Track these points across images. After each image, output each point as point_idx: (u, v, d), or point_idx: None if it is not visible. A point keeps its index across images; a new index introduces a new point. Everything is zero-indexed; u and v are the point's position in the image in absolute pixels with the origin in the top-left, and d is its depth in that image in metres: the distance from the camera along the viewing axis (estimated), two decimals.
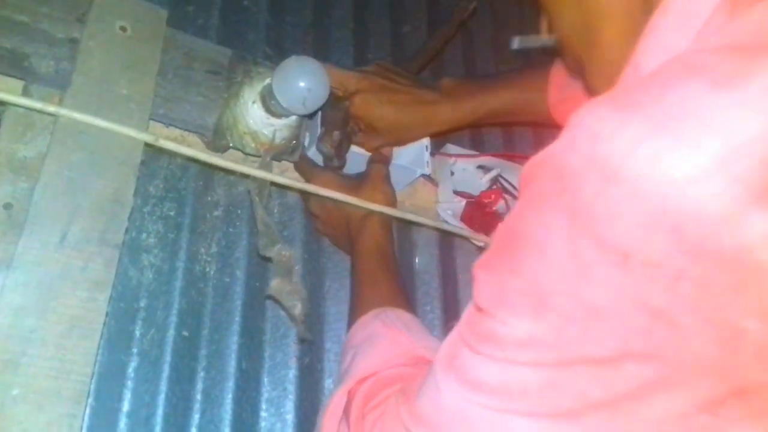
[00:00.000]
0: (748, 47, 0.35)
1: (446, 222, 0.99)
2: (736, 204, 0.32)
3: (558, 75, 0.89)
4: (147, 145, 0.74)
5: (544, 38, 0.62)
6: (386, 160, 0.92)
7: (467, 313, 0.50)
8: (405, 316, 0.75)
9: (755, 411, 0.37)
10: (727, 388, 0.36)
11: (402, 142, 0.95)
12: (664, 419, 0.39)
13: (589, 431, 0.41)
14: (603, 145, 0.35)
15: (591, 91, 0.57)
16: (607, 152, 0.35)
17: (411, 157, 0.97)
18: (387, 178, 0.89)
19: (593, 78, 0.56)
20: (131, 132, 0.69)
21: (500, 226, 0.45)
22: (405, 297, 0.80)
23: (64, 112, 0.65)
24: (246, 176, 0.82)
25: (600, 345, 0.38)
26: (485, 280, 0.46)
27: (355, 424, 0.63)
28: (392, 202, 0.87)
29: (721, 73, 0.34)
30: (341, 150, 0.86)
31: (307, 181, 0.86)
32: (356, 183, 0.86)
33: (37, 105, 0.65)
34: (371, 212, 0.84)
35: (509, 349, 0.43)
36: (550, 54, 0.70)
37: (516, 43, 0.69)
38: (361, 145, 0.92)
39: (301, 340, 0.81)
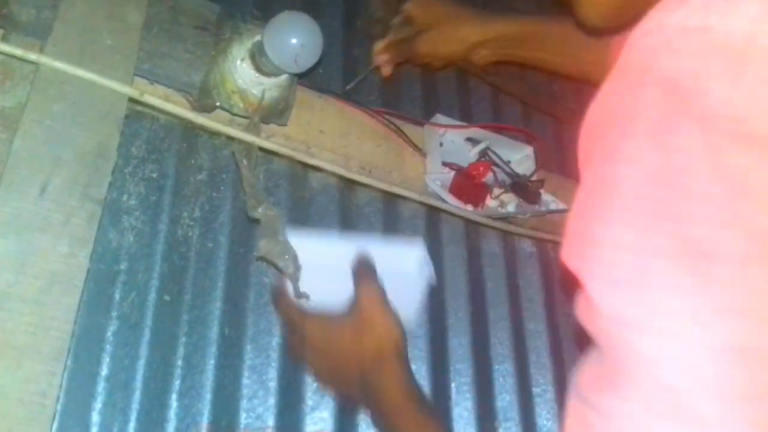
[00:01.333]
0: None
1: (435, 193, 0.98)
2: None
3: None
4: (131, 100, 0.71)
5: None
6: (372, 274, 0.74)
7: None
8: None
9: None
10: None
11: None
12: None
13: None
14: (721, 34, 0.31)
15: (583, 20, 0.55)
16: (730, 40, 0.31)
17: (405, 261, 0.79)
18: (383, 300, 0.73)
19: (587, 10, 0.54)
20: (115, 85, 0.66)
21: (608, 180, 0.36)
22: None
23: (45, 60, 0.62)
24: (232, 138, 0.80)
25: None
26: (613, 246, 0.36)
27: None
28: (400, 331, 0.72)
29: None
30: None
31: (294, 326, 0.77)
32: (351, 319, 0.73)
33: (18, 52, 0.62)
34: (383, 349, 0.71)
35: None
36: None
37: None
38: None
39: (298, 297, 0.78)
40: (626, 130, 0.35)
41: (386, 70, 0.97)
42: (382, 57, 0.95)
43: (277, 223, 0.71)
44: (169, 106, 0.69)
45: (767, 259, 0.31)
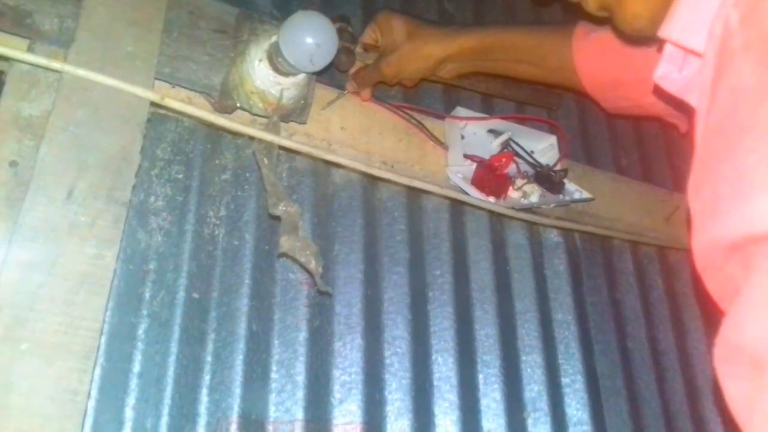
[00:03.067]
0: None
1: (458, 186, 0.98)
2: None
3: (582, 27, 0.93)
4: (153, 104, 0.73)
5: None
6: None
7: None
8: None
9: None
10: None
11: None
12: None
13: None
14: None
15: (626, 28, 0.56)
16: None
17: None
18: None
19: (627, 17, 0.56)
20: (137, 90, 0.68)
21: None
22: None
23: (68, 68, 0.64)
24: (252, 138, 0.81)
25: None
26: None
27: None
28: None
29: None
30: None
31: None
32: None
33: (42, 61, 0.65)
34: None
35: None
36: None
37: None
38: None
39: (321, 293, 0.80)
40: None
41: (364, 95, 0.98)
42: (351, 86, 0.97)
43: (298, 219, 0.72)
44: (189, 109, 0.71)
45: None
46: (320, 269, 0.71)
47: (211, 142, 0.88)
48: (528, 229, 1.11)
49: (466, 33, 0.97)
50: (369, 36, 0.98)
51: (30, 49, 0.73)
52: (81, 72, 0.66)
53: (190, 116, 0.76)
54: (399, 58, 0.94)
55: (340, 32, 0.85)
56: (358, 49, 0.97)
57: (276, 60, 0.77)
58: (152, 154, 0.83)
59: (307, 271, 0.73)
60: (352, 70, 0.97)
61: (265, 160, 0.75)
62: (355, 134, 0.96)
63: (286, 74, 0.78)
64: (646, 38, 0.58)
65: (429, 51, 0.95)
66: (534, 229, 1.12)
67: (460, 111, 1.04)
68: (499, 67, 1.02)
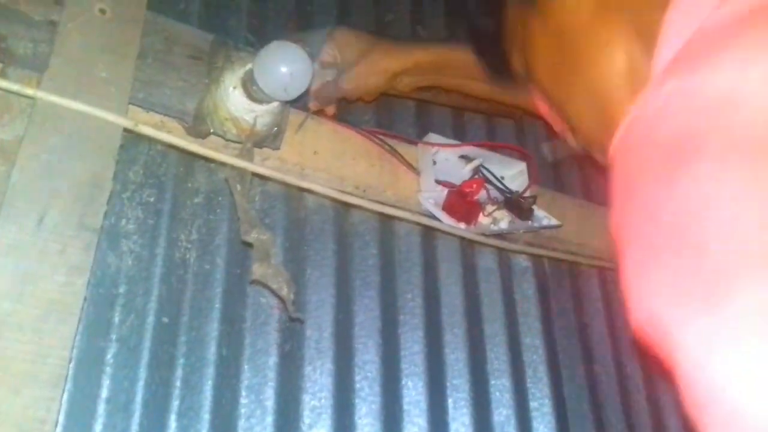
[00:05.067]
0: None
1: (429, 211, 0.99)
2: None
3: None
4: (126, 130, 0.73)
5: (572, 145, 0.61)
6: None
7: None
8: None
9: None
10: None
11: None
12: None
13: None
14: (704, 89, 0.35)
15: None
16: (713, 91, 0.35)
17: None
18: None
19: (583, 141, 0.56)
20: (110, 116, 0.68)
21: (630, 219, 0.38)
22: None
23: (42, 95, 0.65)
24: (225, 164, 0.82)
25: None
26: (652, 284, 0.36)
27: None
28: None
29: None
30: None
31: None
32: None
33: (15, 87, 0.64)
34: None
35: None
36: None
37: (546, 151, 0.70)
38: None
39: (292, 320, 0.80)
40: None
41: (328, 111, 1.00)
42: (313, 104, 0.98)
43: (270, 246, 0.72)
44: (162, 136, 0.71)
45: None
46: (292, 296, 0.72)
47: (183, 165, 0.89)
48: (498, 254, 1.13)
49: (422, 47, 1.00)
50: (327, 53, 1.00)
51: (3, 74, 0.73)
52: (54, 98, 0.66)
53: (163, 143, 0.75)
54: (357, 73, 0.96)
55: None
56: (316, 66, 0.98)
57: (250, 88, 0.77)
58: (124, 177, 0.83)
59: (279, 298, 0.74)
60: (314, 88, 0.98)
61: (238, 186, 0.75)
62: (328, 159, 0.97)
63: (260, 102, 0.79)
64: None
65: (385, 65, 0.97)
66: (504, 254, 1.14)
67: (433, 137, 1.06)
68: (454, 83, 1.04)
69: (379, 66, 0.97)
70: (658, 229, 0.35)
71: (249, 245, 0.75)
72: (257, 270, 0.71)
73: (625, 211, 0.38)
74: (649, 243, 0.36)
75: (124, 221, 0.82)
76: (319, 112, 0.99)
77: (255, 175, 0.81)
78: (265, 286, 0.76)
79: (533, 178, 1.09)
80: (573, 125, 0.57)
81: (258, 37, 1.01)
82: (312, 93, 0.98)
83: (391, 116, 1.12)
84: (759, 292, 0.30)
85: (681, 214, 0.34)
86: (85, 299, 0.65)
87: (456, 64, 0.98)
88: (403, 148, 1.04)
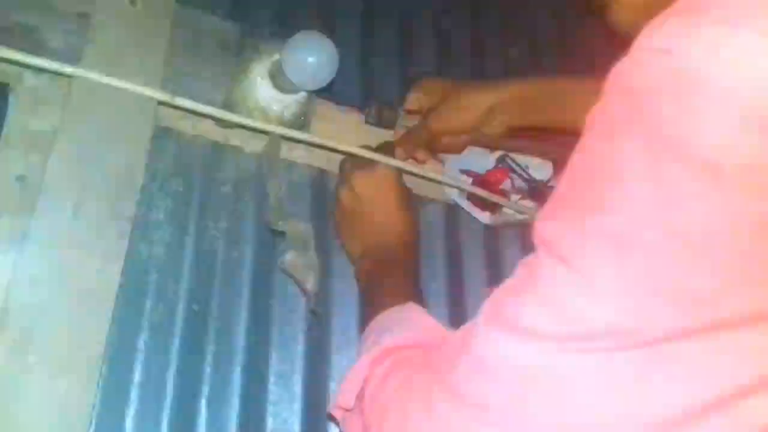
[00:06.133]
0: None
1: (454, 201, 1.00)
2: None
3: None
4: (161, 103, 0.74)
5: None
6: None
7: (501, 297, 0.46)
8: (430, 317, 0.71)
9: None
10: None
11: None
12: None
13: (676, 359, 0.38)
14: (678, 59, 0.34)
15: (615, 24, 0.54)
16: (684, 65, 0.34)
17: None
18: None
19: (620, 15, 0.54)
20: (146, 91, 0.70)
21: (567, 169, 0.42)
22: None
23: (80, 72, 0.66)
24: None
25: (697, 280, 0.36)
26: (554, 229, 0.42)
27: (370, 400, 0.58)
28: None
29: None
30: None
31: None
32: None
33: (54, 66, 0.66)
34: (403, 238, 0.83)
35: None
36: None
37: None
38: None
39: (312, 313, 0.82)
40: (591, 126, 0.40)
41: (420, 156, 0.93)
42: (399, 153, 0.91)
43: (307, 237, 0.73)
44: (199, 107, 0.73)
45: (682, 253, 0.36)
46: (316, 289, 0.72)
47: (211, 155, 0.90)
48: (522, 240, 1.13)
49: (519, 80, 0.90)
50: (412, 102, 0.93)
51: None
52: (92, 75, 0.67)
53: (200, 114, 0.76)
54: (447, 108, 0.88)
55: (380, 111, 0.87)
56: (402, 113, 0.94)
57: (278, 78, 0.78)
58: (154, 168, 0.84)
59: (302, 289, 0.75)
60: (398, 137, 0.94)
61: (269, 175, 0.76)
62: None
63: (287, 92, 0.80)
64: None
65: (477, 98, 0.88)
66: (528, 240, 1.13)
67: None
68: (547, 118, 0.90)
69: (470, 99, 0.88)
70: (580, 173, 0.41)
71: (278, 233, 0.76)
72: (291, 259, 0.72)
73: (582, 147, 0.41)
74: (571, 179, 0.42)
75: (154, 211, 0.83)
76: (411, 161, 0.93)
77: (283, 162, 0.82)
78: (290, 275, 0.76)
79: (558, 167, 1.09)
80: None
81: (283, 27, 1.02)
82: (396, 143, 0.93)
83: None
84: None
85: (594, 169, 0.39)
86: (119, 286, 0.66)
87: (561, 96, 0.85)
88: None
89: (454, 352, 0.47)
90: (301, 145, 0.92)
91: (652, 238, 0.36)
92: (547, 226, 0.43)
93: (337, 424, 0.67)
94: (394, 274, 0.78)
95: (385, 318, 0.70)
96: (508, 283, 0.47)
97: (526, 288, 0.43)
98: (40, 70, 0.72)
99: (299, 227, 0.73)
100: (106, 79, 0.67)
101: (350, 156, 0.85)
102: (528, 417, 0.41)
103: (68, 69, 0.67)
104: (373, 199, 0.83)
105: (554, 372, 0.40)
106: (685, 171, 0.34)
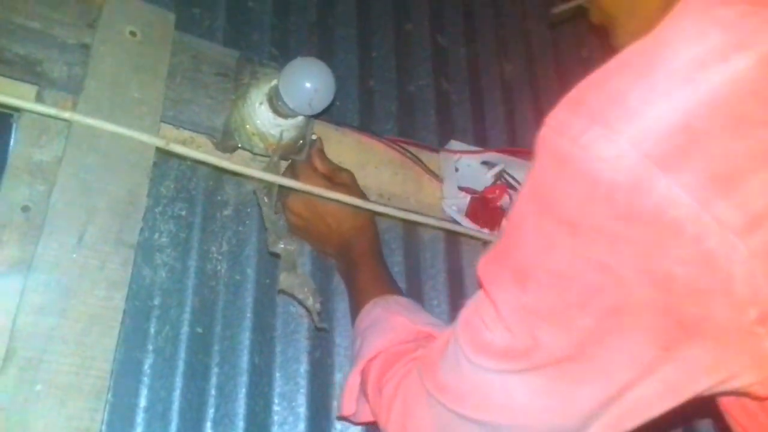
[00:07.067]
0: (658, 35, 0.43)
1: (452, 218, 1.01)
2: (648, 173, 0.39)
3: None
4: (158, 148, 0.76)
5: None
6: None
7: (466, 314, 0.56)
8: (402, 300, 0.82)
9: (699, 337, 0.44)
10: (672, 323, 0.44)
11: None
12: (629, 359, 0.46)
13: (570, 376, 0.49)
14: (560, 139, 0.43)
15: (618, 45, 0.60)
16: (562, 144, 0.43)
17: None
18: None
19: (624, 37, 0.62)
20: (143, 137, 0.71)
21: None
22: (397, 286, 0.87)
23: (77, 118, 0.67)
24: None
25: (573, 310, 0.46)
26: (485, 264, 0.53)
27: (373, 396, 0.69)
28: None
29: (641, 63, 0.43)
30: None
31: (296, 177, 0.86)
32: (341, 187, 0.88)
33: (52, 111, 0.67)
34: (361, 225, 0.89)
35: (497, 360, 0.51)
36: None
37: (556, 8, 0.74)
38: None
39: (318, 330, 0.83)
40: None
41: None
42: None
43: (297, 256, 0.74)
44: (193, 153, 0.73)
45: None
46: (318, 306, 0.74)
47: (213, 178, 0.91)
48: None
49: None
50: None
51: (39, 96, 0.76)
52: (90, 121, 0.69)
53: (194, 160, 0.78)
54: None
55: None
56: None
57: (276, 103, 0.80)
58: (156, 192, 0.86)
59: (305, 308, 0.76)
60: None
61: (266, 198, 0.78)
62: (351, 168, 0.99)
63: (285, 116, 0.81)
64: None
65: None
66: None
67: (455, 144, 1.07)
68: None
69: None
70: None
71: (276, 256, 0.77)
72: (284, 280, 0.73)
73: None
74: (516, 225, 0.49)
75: (157, 235, 0.85)
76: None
77: (282, 187, 0.83)
78: (292, 296, 0.78)
79: None
80: (619, 22, 0.63)
81: (281, 51, 1.03)
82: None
83: (413, 124, 1.14)
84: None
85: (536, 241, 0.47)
86: (124, 312, 0.67)
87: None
88: (425, 155, 1.06)
89: (437, 354, 0.59)
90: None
91: (539, 275, 0.46)
92: (481, 259, 0.54)
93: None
94: (362, 269, 0.86)
95: (362, 320, 0.80)
96: (474, 299, 0.56)
97: (477, 310, 0.53)
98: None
99: (289, 248, 0.74)
100: (101, 124, 0.69)
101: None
102: (491, 406, 0.53)
103: (65, 114, 0.68)
104: (314, 210, 0.87)
105: (493, 380, 0.53)
106: (555, 226, 0.44)
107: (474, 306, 0.55)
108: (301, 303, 0.76)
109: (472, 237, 1.03)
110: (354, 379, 0.73)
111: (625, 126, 0.41)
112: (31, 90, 0.76)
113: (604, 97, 0.43)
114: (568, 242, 0.44)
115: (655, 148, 0.40)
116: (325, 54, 1.08)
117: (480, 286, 0.53)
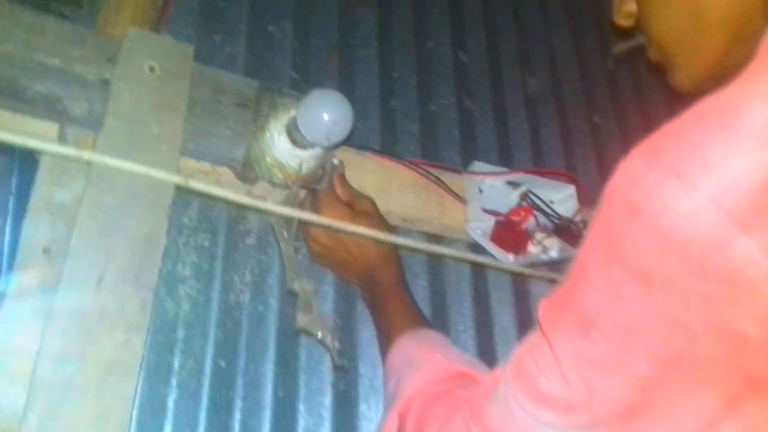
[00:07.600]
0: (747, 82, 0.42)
1: (476, 242, 0.99)
2: (726, 231, 0.39)
3: None
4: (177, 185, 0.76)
5: (639, 39, 0.66)
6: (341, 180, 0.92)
7: (518, 356, 0.54)
8: (433, 334, 0.80)
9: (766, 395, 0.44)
10: (739, 379, 0.44)
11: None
12: (693, 411, 0.46)
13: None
14: (633, 189, 0.43)
15: (677, 85, 0.63)
16: (635, 195, 0.43)
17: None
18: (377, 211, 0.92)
19: (684, 77, 0.61)
20: (161, 174, 0.70)
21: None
22: (425, 316, 0.86)
23: (97, 158, 0.67)
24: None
25: (637, 360, 0.45)
26: (546, 308, 0.51)
27: None
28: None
29: (720, 118, 0.42)
30: None
31: (316, 210, 0.86)
32: (362, 216, 0.88)
33: (72, 152, 0.67)
34: (384, 253, 0.88)
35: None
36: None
37: (617, 47, 0.73)
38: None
39: (337, 368, 0.82)
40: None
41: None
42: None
43: (311, 296, 0.74)
44: (213, 191, 0.73)
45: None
46: (337, 344, 0.73)
47: (235, 208, 0.91)
48: (550, 280, 1.11)
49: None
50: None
51: (60, 133, 0.76)
52: (110, 161, 0.69)
53: (213, 196, 0.78)
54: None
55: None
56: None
57: (294, 134, 0.79)
58: (179, 223, 0.86)
59: (324, 346, 0.75)
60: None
61: (284, 233, 0.77)
62: (374, 193, 0.98)
63: (304, 147, 0.80)
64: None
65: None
66: (556, 280, 1.12)
67: (478, 166, 1.05)
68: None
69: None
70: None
71: (294, 294, 0.77)
72: (301, 319, 0.73)
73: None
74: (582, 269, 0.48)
75: (180, 266, 0.85)
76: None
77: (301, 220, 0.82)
78: (310, 334, 0.77)
79: (583, 201, 1.07)
80: (679, 63, 0.62)
81: (302, 75, 1.03)
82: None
83: (436, 144, 1.12)
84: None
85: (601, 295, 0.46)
86: (143, 356, 0.67)
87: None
88: (448, 177, 1.04)
89: (484, 397, 0.57)
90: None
91: (604, 324, 0.46)
92: (542, 302, 0.52)
93: None
94: (388, 299, 0.85)
95: (395, 356, 0.79)
96: (528, 341, 0.54)
97: (532, 353, 0.52)
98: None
99: (305, 288, 0.74)
100: (120, 164, 0.69)
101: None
102: None
103: (85, 154, 0.68)
104: (337, 240, 0.87)
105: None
106: (626, 276, 0.43)
107: (528, 348, 0.53)
108: (320, 342, 0.75)
109: (494, 268, 1.01)
110: (392, 421, 0.72)
111: (702, 180, 0.40)
112: (52, 127, 0.77)
113: (680, 149, 0.42)
114: (638, 293, 0.43)
115: (735, 206, 0.39)
116: (346, 76, 1.07)
117: (539, 328, 0.52)
